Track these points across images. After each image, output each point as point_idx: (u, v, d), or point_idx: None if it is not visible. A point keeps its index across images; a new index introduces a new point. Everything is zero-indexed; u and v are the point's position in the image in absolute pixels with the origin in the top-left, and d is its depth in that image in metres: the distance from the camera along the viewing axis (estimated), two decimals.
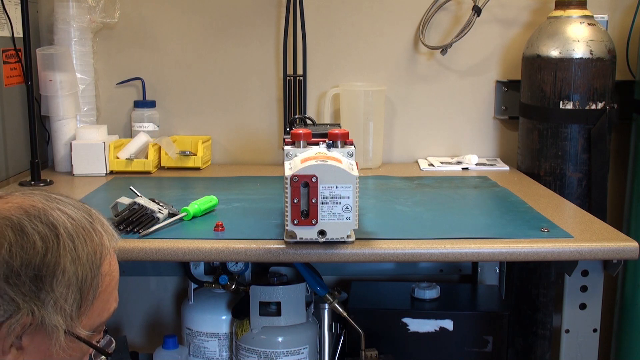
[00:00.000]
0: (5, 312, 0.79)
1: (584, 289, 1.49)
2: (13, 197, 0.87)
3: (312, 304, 1.80)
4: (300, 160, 1.29)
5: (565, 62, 1.90)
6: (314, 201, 1.25)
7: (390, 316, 1.84)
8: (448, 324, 1.83)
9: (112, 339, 0.94)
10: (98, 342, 0.90)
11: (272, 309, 1.75)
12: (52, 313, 0.82)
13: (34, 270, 0.80)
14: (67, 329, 0.83)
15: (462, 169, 2.10)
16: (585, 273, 1.48)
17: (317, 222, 1.26)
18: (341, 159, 1.29)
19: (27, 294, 0.80)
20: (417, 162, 2.21)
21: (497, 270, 2.11)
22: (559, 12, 1.97)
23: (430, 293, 1.90)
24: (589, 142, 1.91)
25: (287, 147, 1.35)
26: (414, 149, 2.25)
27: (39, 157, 1.91)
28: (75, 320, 0.84)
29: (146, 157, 2.06)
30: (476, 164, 2.11)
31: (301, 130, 1.36)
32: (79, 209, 0.89)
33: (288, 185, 1.25)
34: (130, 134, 2.20)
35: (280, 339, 1.74)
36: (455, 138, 2.24)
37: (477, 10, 2.09)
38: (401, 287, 1.98)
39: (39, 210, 0.84)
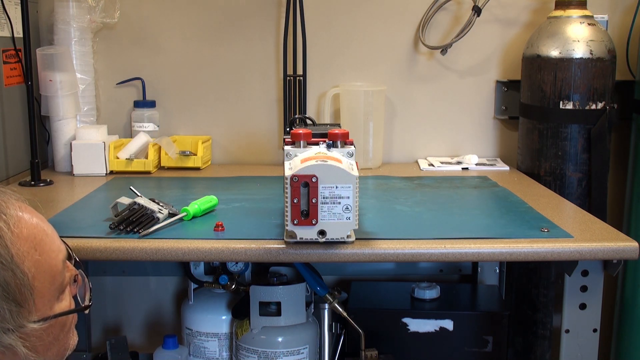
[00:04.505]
0: None
1: (584, 289, 1.49)
2: None
3: (312, 304, 1.80)
4: (300, 160, 1.29)
5: (565, 62, 1.90)
6: (314, 201, 1.25)
7: (390, 316, 1.84)
8: (448, 324, 1.83)
9: (85, 275, 0.85)
10: (72, 275, 0.82)
11: (272, 309, 1.75)
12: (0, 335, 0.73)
13: None
14: (22, 336, 0.75)
15: (462, 169, 2.10)
16: (585, 273, 1.48)
17: (317, 222, 1.26)
18: (341, 159, 1.29)
19: None
20: (417, 162, 2.21)
21: (497, 270, 2.11)
22: (559, 12, 1.97)
23: (430, 293, 1.90)
24: (589, 142, 1.91)
25: (287, 147, 1.35)
26: (414, 149, 2.25)
27: (39, 157, 1.91)
28: (26, 319, 0.75)
29: (146, 157, 2.06)
30: (476, 164, 2.11)
31: (301, 130, 1.36)
32: None
33: (288, 185, 1.25)
34: (130, 134, 2.20)
35: (280, 339, 1.74)
36: (455, 138, 2.24)
37: (477, 10, 2.09)
38: (401, 287, 1.99)
39: None
